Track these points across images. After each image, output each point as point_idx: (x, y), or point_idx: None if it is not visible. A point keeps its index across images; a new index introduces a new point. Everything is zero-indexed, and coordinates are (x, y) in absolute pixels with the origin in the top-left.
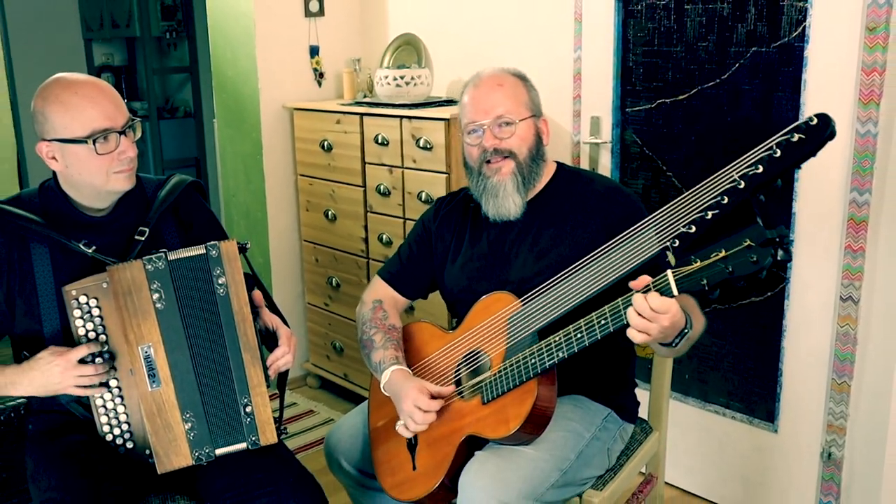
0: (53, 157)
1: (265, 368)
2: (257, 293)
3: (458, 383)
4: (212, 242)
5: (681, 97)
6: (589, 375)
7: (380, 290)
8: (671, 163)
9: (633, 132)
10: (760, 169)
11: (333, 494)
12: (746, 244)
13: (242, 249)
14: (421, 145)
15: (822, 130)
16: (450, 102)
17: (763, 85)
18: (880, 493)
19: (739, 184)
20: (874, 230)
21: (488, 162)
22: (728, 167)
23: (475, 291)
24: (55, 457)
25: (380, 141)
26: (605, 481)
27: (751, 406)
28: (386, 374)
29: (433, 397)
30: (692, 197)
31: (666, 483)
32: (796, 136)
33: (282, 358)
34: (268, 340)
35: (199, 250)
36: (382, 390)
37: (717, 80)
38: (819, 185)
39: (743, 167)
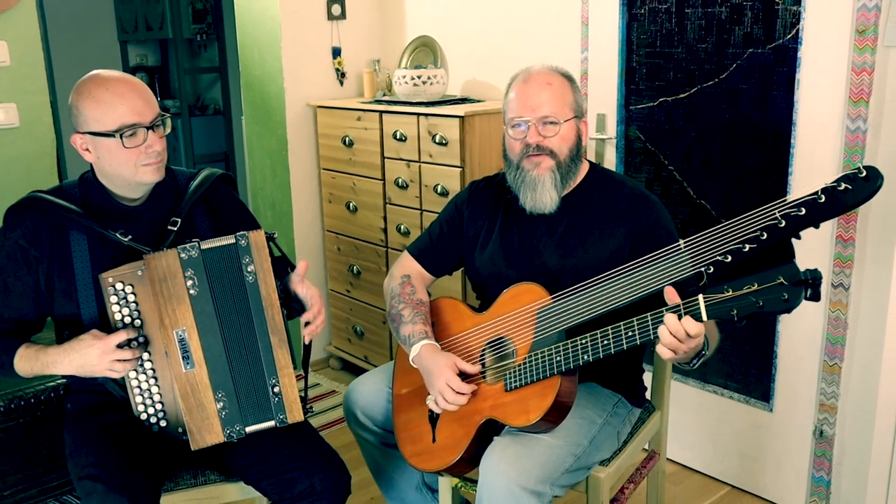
0: (87, 149)
1: (292, 351)
2: (304, 262)
3: (482, 365)
4: (241, 232)
5: (681, 96)
6: (602, 364)
7: (408, 266)
8: (672, 157)
9: (636, 129)
10: (803, 212)
11: (354, 469)
12: (779, 281)
13: (270, 238)
14: (437, 141)
15: (870, 184)
16: (464, 101)
17: (759, 84)
18: (869, 468)
19: (780, 223)
20: (863, 221)
21: (528, 157)
22: (770, 205)
23: (502, 278)
24: (92, 434)
25: (398, 137)
26: (611, 458)
27: (747, 386)
28: (416, 348)
29: (462, 373)
30: (730, 228)
31: (667, 459)
32: (843, 186)
33: (317, 317)
34: (290, 303)
35: (229, 240)
36: (411, 363)
37: (716, 80)
38: (812, 178)
39: (786, 207)
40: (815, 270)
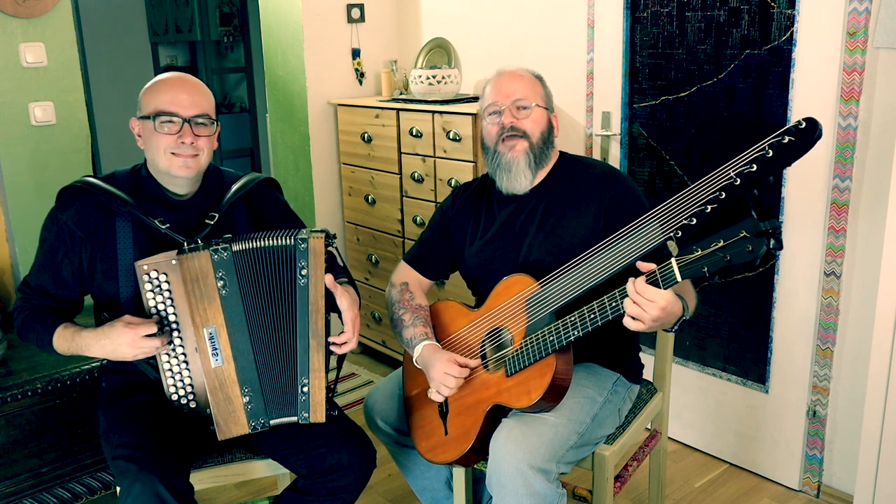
0: (139, 135)
1: (328, 356)
2: (328, 276)
3: (483, 357)
4: (302, 236)
5: (682, 94)
6: (598, 345)
7: (405, 274)
8: (673, 153)
9: (639, 125)
10: (754, 168)
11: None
12: (742, 235)
13: (328, 241)
14: (451, 137)
15: (810, 133)
16: (476, 99)
17: (755, 83)
18: (859, 446)
19: (735, 181)
20: (854, 212)
21: (504, 140)
22: (725, 165)
23: (491, 270)
24: (125, 416)
25: (414, 133)
26: (615, 437)
27: (744, 369)
28: (417, 349)
29: (461, 367)
30: (693, 192)
31: (669, 438)
32: (787, 139)
33: (349, 342)
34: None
35: (289, 241)
36: (415, 363)
37: (715, 80)
38: (806, 172)
39: (738, 166)
40: (773, 220)
